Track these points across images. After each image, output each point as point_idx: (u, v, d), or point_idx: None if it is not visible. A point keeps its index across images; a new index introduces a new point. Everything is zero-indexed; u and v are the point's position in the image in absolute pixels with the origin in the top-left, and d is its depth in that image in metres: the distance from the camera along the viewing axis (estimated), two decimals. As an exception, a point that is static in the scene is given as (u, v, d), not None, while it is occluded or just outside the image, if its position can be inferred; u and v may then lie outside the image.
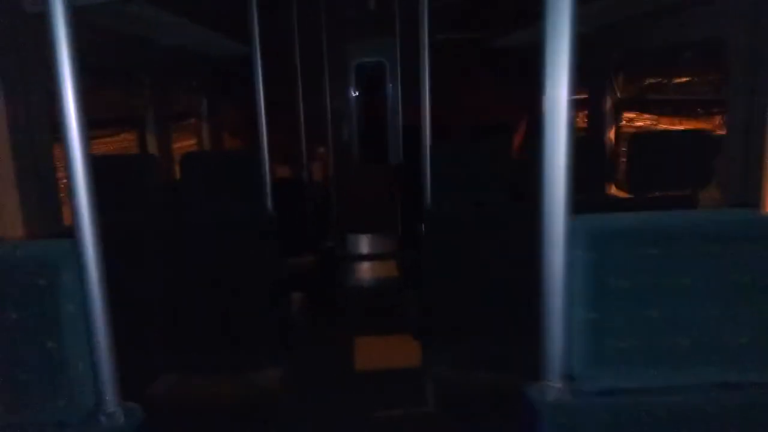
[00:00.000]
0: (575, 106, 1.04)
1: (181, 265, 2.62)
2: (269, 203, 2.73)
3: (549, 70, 1.03)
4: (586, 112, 4.57)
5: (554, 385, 1.05)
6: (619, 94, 4.16)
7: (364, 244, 6.12)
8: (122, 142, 3.72)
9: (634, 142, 2.67)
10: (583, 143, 3.10)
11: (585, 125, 4.51)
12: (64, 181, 1.10)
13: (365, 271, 5.76)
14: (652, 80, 3.96)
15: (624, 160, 3.33)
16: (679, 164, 2.59)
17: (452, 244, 2.61)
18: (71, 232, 1.01)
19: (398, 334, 3.79)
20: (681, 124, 3.69)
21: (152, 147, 3.92)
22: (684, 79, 3.47)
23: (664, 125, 4.07)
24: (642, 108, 4.04)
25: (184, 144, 4.90)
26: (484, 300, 2.59)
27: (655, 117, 3.97)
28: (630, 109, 4.06)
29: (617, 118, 4.18)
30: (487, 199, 2.65)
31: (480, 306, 2.59)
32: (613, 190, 3.42)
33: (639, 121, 4.12)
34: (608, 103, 4.19)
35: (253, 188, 2.72)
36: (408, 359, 3.59)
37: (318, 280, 4.41)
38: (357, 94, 5.97)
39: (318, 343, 3.79)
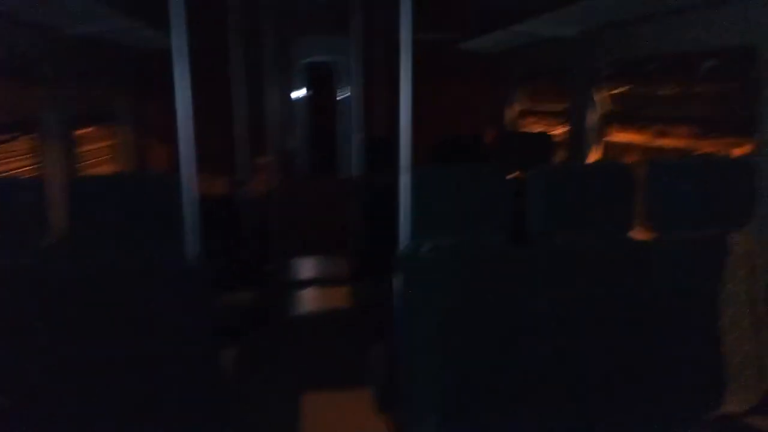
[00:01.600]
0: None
1: (69, 336, 1.91)
2: (196, 245, 2.05)
3: None
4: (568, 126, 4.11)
5: None
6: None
7: (310, 268, 5.45)
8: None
9: (653, 169, 2.15)
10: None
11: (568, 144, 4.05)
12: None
13: (313, 301, 5.08)
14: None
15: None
16: (709, 196, 2.09)
17: (435, 296, 2.01)
18: None
19: (356, 391, 3.16)
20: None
21: (50, 162, 3.14)
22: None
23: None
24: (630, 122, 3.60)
25: (91, 150, 4.09)
26: (477, 372, 2.00)
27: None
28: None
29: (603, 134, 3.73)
30: (481, 238, 2.07)
31: (472, 379, 2.00)
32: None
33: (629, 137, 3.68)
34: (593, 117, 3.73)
35: (176, 222, 2.05)
36: (371, 426, 2.96)
37: (257, 320, 3.72)
38: (305, 97, 5.30)
39: (259, 407, 3.11)
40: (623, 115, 3.59)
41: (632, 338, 2.07)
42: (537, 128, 4.87)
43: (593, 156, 3.78)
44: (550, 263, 2.07)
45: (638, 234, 2.22)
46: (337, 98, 5.31)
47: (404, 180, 2.07)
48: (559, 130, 4.22)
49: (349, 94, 5.27)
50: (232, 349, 2.65)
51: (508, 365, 2.01)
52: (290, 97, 5.23)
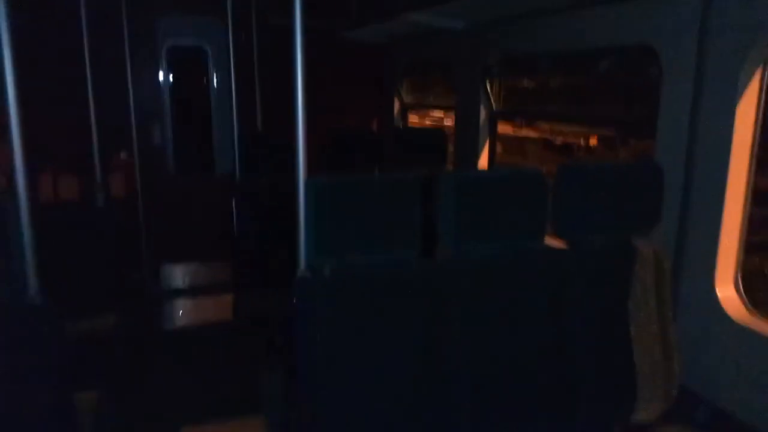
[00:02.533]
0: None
1: None
2: (32, 281, 1.63)
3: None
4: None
5: None
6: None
7: (185, 275, 4.92)
8: None
9: (560, 174, 2.05)
10: None
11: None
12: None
13: (189, 312, 4.58)
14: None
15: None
16: (617, 201, 2.03)
17: (341, 320, 1.76)
18: None
19: (246, 418, 2.82)
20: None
21: None
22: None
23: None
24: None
25: None
26: (386, 391, 1.78)
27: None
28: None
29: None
30: (389, 252, 1.85)
31: (379, 401, 1.78)
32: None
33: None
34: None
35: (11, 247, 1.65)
36: None
37: (123, 350, 3.23)
38: (171, 85, 4.73)
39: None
40: (513, 111, 3.56)
41: (544, 346, 1.98)
42: (426, 122, 4.76)
43: (483, 151, 3.72)
44: (462, 275, 1.90)
45: (552, 241, 2.12)
46: (213, 86, 4.79)
47: (303, 191, 1.78)
48: (448, 124, 4.12)
49: (217, 83, 4.79)
50: (91, 392, 2.23)
51: (419, 381, 1.83)
52: (156, 84, 4.64)
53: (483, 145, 3.69)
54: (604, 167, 2.09)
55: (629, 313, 2.04)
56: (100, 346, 2.98)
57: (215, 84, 4.76)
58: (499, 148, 3.72)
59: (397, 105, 5.11)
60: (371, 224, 1.78)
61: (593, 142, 3.68)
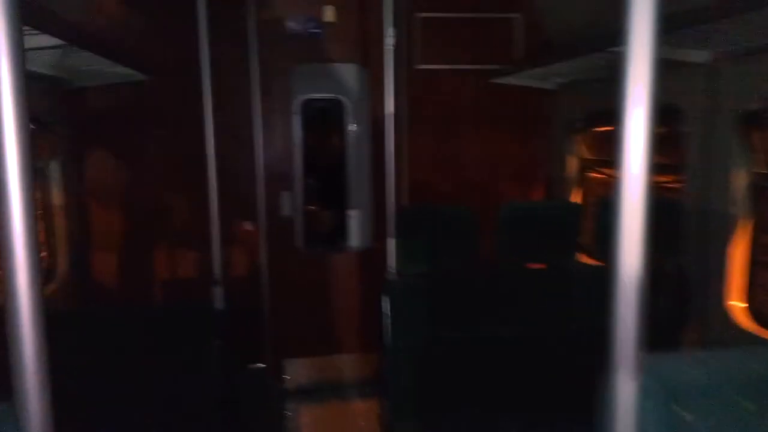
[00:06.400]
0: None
1: None
2: None
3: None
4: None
5: None
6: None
7: (313, 371, 4.10)
8: None
9: None
10: None
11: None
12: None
13: (322, 419, 3.77)
14: None
15: None
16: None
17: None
18: None
19: None
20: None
21: None
22: None
23: None
24: None
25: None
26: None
27: None
28: None
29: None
30: None
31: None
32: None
33: None
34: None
35: None
36: None
37: None
38: (303, 145, 4.04)
39: None
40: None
41: None
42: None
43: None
44: None
45: None
46: (351, 146, 4.05)
47: None
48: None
49: (356, 142, 4.02)
50: None
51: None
52: (288, 146, 3.97)
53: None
54: None
55: None
56: None
57: (353, 144, 4.00)
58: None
59: (574, 163, 4.07)
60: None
61: None
